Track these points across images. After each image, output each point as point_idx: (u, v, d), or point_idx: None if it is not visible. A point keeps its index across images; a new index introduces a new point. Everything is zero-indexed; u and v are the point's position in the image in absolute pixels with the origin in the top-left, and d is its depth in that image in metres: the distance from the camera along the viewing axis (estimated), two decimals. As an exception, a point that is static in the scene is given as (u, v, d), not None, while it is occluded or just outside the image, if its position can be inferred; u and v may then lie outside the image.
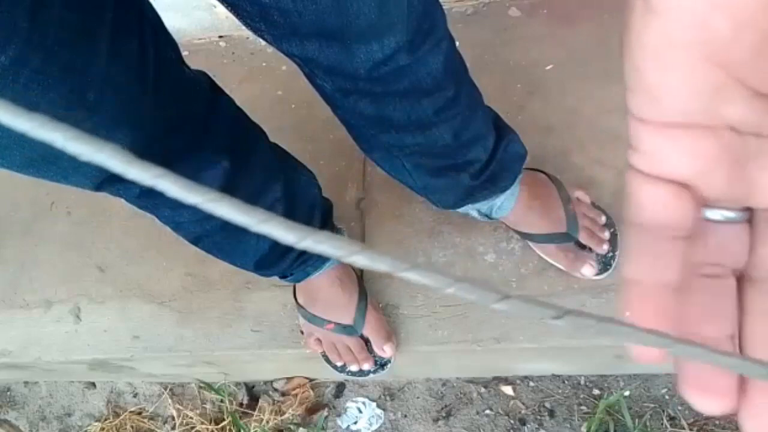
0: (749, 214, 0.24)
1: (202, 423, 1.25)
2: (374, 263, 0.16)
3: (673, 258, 0.22)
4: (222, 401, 1.25)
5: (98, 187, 0.59)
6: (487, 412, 1.15)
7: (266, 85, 1.26)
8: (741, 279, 0.24)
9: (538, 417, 1.13)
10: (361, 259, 0.16)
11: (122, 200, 0.67)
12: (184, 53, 0.62)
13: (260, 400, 1.24)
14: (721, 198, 0.23)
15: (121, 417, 1.29)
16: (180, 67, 0.63)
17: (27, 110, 0.14)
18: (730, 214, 0.23)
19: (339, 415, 1.21)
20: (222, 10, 0.57)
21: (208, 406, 1.28)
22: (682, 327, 0.22)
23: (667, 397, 1.09)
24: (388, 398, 1.20)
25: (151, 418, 1.30)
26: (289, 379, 1.24)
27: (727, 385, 0.21)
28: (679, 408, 1.08)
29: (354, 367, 0.99)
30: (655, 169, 0.22)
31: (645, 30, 0.19)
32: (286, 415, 1.21)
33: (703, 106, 0.21)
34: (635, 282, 0.22)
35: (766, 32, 0.18)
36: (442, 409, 1.17)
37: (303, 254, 0.87)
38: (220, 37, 1.34)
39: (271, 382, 1.26)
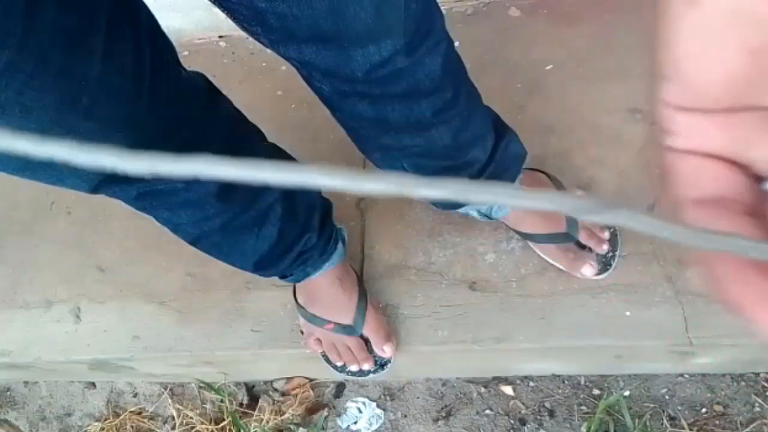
0: None
1: (202, 423, 1.25)
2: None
3: (751, 230, 0.20)
4: (222, 401, 1.25)
5: (94, 190, 0.59)
6: (487, 412, 1.15)
7: (266, 85, 1.25)
8: None
9: (538, 417, 1.13)
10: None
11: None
12: (184, 53, 0.62)
13: (260, 400, 1.24)
14: None
15: (121, 417, 1.29)
16: (176, 69, 0.63)
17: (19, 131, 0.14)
18: None
19: (339, 415, 1.21)
20: (221, 11, 0.57)
21: (208, 406, 1.28)
22: None
23: (667, 397, 1.09)
24: (388, 398, 1.20)
25: (151, 418, 1.30)
26: (289, 379, 1.24)
27: None
28: (679, 408, 1.08)
29: (354, 367, 0.99)
30: (695, 145, 0.21)
31: (684, 21, 0.20)
32: (286, 415, 1.21)
33: (738, 96, 0.20)
34: (722, 259, 0.20)
35: None
36: (442, 409, 1.17)
37: (303, 254, 0.87)
38: (220, 37, 1.34)
39: (271, 382, 1.26)
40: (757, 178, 0.22)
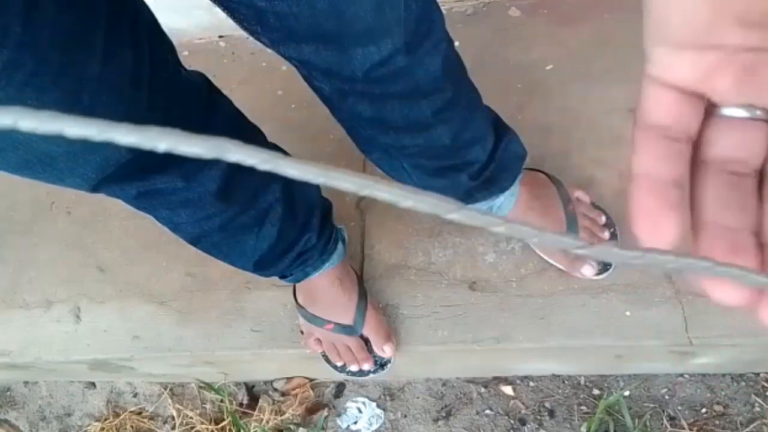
0: None
1: (202, 423, 1.25)
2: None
3: (677, 155, 0.25)
4: (222, 401, 1.25)
5: (94, 189, 0.59)
6: (487, 412, 1.15)
7: (266, 85, 1.25)
8: (762, 177, 0.25)
9: (538, 417, 1.13)
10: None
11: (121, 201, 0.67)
12: (184, 53, 0.62)
13: (260, 400, 1.24)
14: (732, 100, 0.25)
15: (121, 417, 1.30)
16: (176, 68, 0.62)
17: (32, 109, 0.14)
18: (744, 112, 0.25)
19: (339, 415, 1.21)
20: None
21: (208, 406, 1.28)
22: (695, 216, 0.24)
23: (667, 397, 1.09)
24: (388, 398, 1.20)
25: (151, 418, 1.30)
26: (289, 379, 1.24)
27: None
28: (679, 408, 1.08)
29: (354, 367, 0.98)
30: (663, 75, 0.25)
31: None
32: (286, 415, 1.21)
33: (701, 36, 0.24)
34: (642, 176, 0.24)
35: None
36: (442, 409, 1.17)
37: (302, 254, 0.87)
38: (220, 37, 1.34)
39: (271, 382, 1.26)
40: (714, 107, 0.26)
